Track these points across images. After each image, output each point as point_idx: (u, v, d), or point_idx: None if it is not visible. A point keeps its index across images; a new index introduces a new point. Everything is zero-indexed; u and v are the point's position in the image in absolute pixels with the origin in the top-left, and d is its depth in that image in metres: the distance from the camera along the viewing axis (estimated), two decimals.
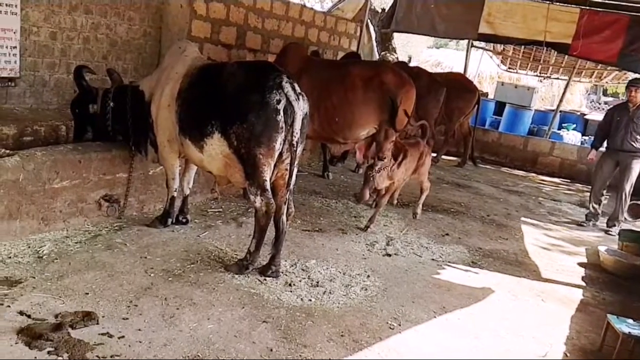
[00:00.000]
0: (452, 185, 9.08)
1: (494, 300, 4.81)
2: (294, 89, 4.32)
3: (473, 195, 8.73)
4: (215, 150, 4.44)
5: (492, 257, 5.87)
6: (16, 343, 3.15)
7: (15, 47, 5.71)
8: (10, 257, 4.19)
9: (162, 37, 7.26)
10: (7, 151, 4.68)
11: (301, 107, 4.33)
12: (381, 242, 5.73)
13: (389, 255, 5.43)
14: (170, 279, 4.20)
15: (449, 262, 5.51)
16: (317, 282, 4.51)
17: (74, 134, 5.48)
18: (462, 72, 12.62)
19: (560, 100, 14.06)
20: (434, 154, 10.30)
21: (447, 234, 6.40)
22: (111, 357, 3.14)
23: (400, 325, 4.06)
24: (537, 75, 15.73)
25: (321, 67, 6.84)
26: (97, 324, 3.46)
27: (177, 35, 6.96)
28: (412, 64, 13.68)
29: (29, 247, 4.41)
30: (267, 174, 4.35)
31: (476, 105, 10.72)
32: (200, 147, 4.51)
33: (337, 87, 6.48)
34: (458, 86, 10.26)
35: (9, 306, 3.52)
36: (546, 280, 5.51)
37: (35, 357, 3.06)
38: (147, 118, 4.95)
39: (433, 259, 5.52)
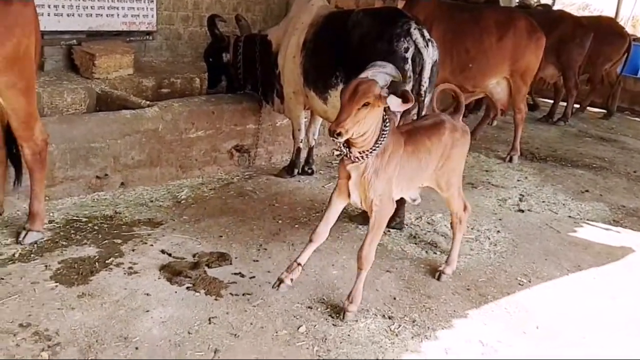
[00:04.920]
0: (596, 138, 8.40)
1: (634, 261, 4.43)
2: (423, 35, 4.13)
3: (619, 150, 8.01)
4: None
5: (636, 216, 5.37)
6: (159, 278, 3.42)
7: (152, 2, 6.00)
8: (152, 201, 4.52)
9: None
10: (147, 102, 5.00)
11: (430, 55, 4.15)
12: (514, 198, 5.45)
13: (522, 211, 5.16)
14: (296, 225, 4.31)
15: (587, 219, 5.13)
16: (443, 236, 4.41)
17: (208, 83, 5.69)
18: (612, 15, 11.46)
19: None
20: (577, 105, 9.58)
21: (587, 191, 5.95)
22: (243, 294, 3.30)
23: (530, 282, 3.87)
24: None
25: (453, 12, 6.52)
26: (230, 264, 3.65)
27: None
28: (555, 7, 12.66)
29: (169, 192, 4.73)
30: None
31: (626, 53, 9.73)
32: (325, 99, 4.50)
33: (471, 32, 6.18)
34: (606, 31, 9.32)
35: (152, 245, 3.82)
36: None
37: (176, 292, 3.30)
38: (274, 69, 5.01)
39: (570, 216, 5.16)
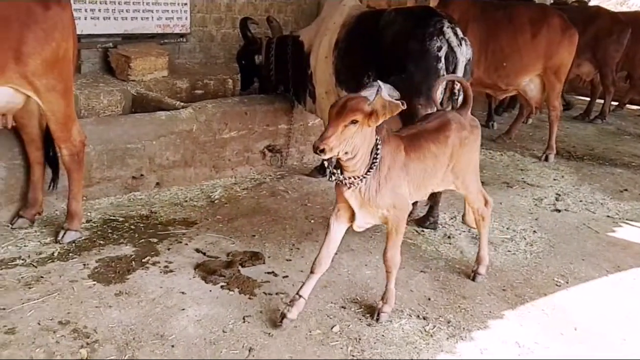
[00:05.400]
0: (635, 136, 8.18)
1: None
2: (456, 34, 4.10)
3: None
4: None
5: None
6: (194, 277, 3.46)
7: (185, 4, 6.10)
8: (186, 201, 4.58)
9: None
10: (182, 103, 5.06)
11: (464, 53, 4.11)
12: (550, 197, 5.35)
13: (559, 210, 5.05)
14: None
15: (626, 219, 5.00)
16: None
17: (241, 85, 5.74)
18: None
19: None
20: (615, 102, 9.35)
21: (625, 190, 5.80)
22: (276, 293, 3.31)
23: (567, 282, 3.79)
24: None
25: (487, 10, 6.46)
26: (264, 263, 3.67)
27: None
28: (592, 3, 12.38)
29: (202, 192, 4.79)
30: None
31: None
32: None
33: (505, 30, 6.13)
34: None
35: (186, 244, 3.86)
36: None
37: (210, 290, 3.33)
38: (306, 69, 5.02)
39: (608, 216, 5.04)
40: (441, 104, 4.17)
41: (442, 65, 4.06)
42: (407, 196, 3.13)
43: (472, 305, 3.43)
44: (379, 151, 2.90)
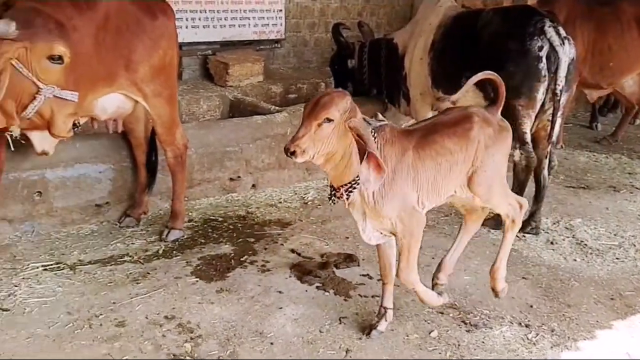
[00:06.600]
0: None
1: None
2: (558, 33, 3.98)
3: None
4: (469, 103, 4.29)
5: None
6: (290, 277, 3.52)
7: (281, 11, 6.24)
8: (280, 202, 4.68)
9: None
10: (277, 107, 5.18)
11: (567, 52, 3.97)
12: None
13: None
14: (424, 229, 4.21)
15: None
16: (583, 242, 4.14)
17: None
18: None
19: None
20: None
21: None
22: (372, 296, 3.30)
23: None
24: None
25: (593, 7, 6.14)
26: (358, 265, 3.68)
27: None
28: None
29: (296, 193, 4.88)
30: (527, 126, 4.10)
31: None
32: (454, 100, 4.41)
33: (613, 28, 5.80)
34: None
35: (282, 244, 3.94)
36: None
37: (306, 290, 3.38)
38: (401, 71, 4.99)
39: None
40: (543, 104, 4.04)
41: (543, 65, 3.97)
42: (417, 206, 2.76)
43: (578, 314, 3.27)
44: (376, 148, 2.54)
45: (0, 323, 2.93)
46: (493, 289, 3.16)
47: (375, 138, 2.56)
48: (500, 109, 3.02)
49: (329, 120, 2.40)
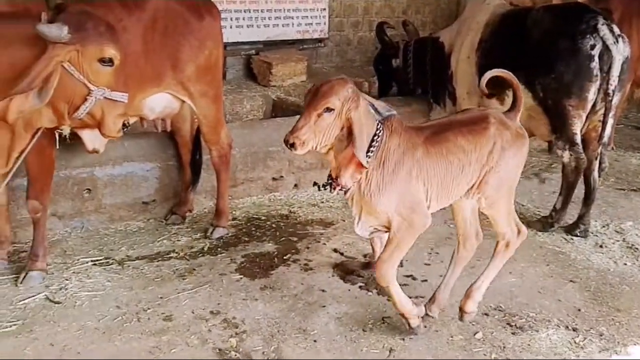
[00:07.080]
0: None
1: None
2: (612, 31, 3.88)
3: None
4: None
5: None
6: (332, 276, 3.53)
7: (324, 9, 6.24)
8: (322, 202, 4.68)
9: None
10: None
11: (621, 51, 3.87)
12: None
13: None
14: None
15: None
16: (634, 246, 4.02)
17: (378, 90, 5.77)
18: None
19: None
20: None
21: None
22: (415, 297, 3.27)
23: None
24: None
25: None
26: (402, 266, 3.62)
27: None
28: None
29: (337, 193, 4.84)
30: (578, 127, 4.00)
31: None
32: (501, 100, 4.34)
33: None
34: None
35: (324, 244, 3.95)
36: None
37: (349, 289, 3.38)
38: (447, 70, 4.94)
39: None
40: (594, 104, 3.94)
41: (595, 64, 3.87)
42: (423, 205, 2.63)
43: (628, 319, 3.19)
44: (378, 137, 2.47)
45: (53, 315, 3.02)
46: (461, 308, 2.95)
47: (380, 129, 2.48)
48: (519, 114, 2.87)
49: (329, 109, 2.34)
